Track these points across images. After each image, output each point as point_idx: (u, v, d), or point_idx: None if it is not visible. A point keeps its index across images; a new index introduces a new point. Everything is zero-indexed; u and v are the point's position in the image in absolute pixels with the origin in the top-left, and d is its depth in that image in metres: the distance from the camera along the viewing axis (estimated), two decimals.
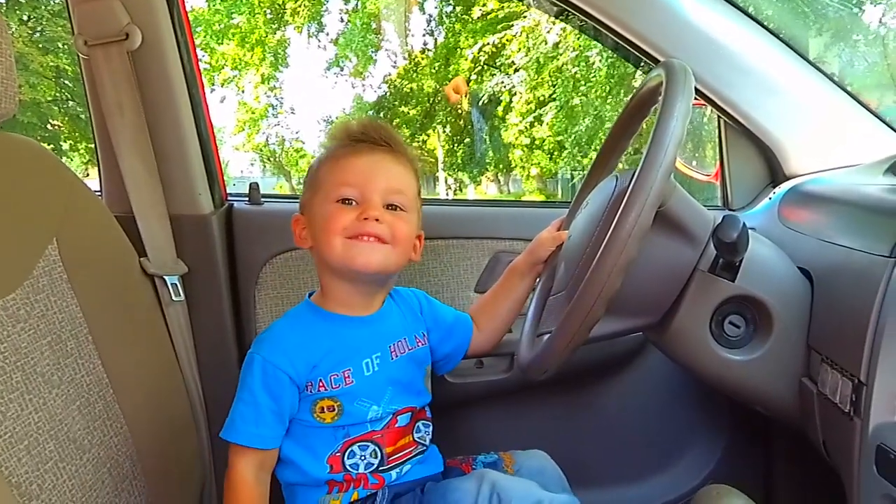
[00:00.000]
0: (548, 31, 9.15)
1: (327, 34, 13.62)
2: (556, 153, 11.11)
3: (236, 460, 1.07)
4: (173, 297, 1.33)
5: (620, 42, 1.43)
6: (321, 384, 1.07)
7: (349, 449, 1.09)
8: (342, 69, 13.35)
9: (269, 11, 13.84)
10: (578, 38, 9.28)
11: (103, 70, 1.32)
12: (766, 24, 1.43)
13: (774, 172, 1.54)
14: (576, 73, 9.25)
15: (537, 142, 11.09)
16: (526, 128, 10.92)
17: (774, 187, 1.52)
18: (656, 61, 1.43)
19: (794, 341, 1.02)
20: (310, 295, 1.16)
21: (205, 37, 13.95)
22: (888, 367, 0.83)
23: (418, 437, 1.16)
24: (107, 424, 1.07)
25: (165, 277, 1.32)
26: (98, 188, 1.44)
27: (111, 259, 1.18)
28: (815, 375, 0.98)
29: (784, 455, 1.53)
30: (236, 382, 1.08)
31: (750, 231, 1.00)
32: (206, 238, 1.43)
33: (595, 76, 9.43)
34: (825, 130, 1.46)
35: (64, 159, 1.31)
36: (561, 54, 9.12)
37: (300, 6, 13.41)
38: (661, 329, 1.06)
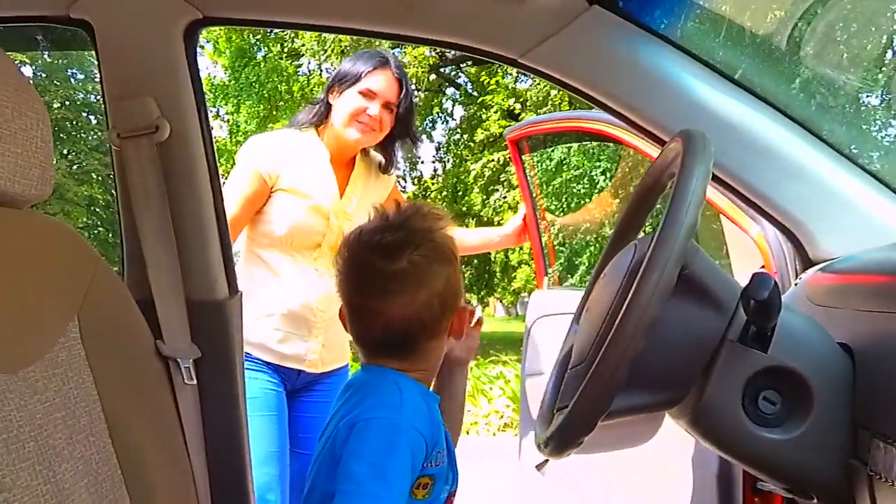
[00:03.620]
0: (551, 150, 9.31)
1: None
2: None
3: None
4: (185, 381, 1.32)
5: (630, 127, 1.43)
6: (431, 461, 1.08)
7: None
8: None
9: None
10: (582, 158, 9.47)
11: (133, 160, 1.36)
12: (777, 104, 1.42)
13: (800, 256, 1.48)
14: (579, 191, 9.37)
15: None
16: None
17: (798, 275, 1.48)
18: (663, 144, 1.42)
19: (838, 418, 0.95)
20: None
21: (226, 165, 14.48)
22: None
23: None
24: None
25: (179, 360, 1.31)
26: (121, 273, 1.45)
27: (129, 340, 1.19)
28: (865, 454, 0.91)
29: None
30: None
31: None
32: (221, 323, 1.43)
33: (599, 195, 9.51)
34: (850, 212, 1.40)
35: None
36: (565, 171, 9.31)
37: None
38: (687, 406, 1.01)
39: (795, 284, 1.42)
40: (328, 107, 2.18)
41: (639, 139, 2.03)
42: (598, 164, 9.17)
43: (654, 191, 1.13)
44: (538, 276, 2.82)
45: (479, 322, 1.30)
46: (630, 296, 0.86)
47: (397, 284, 1.09)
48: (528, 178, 2.82)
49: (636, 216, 1.19)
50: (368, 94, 2.13)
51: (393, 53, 2.28)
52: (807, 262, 1.46)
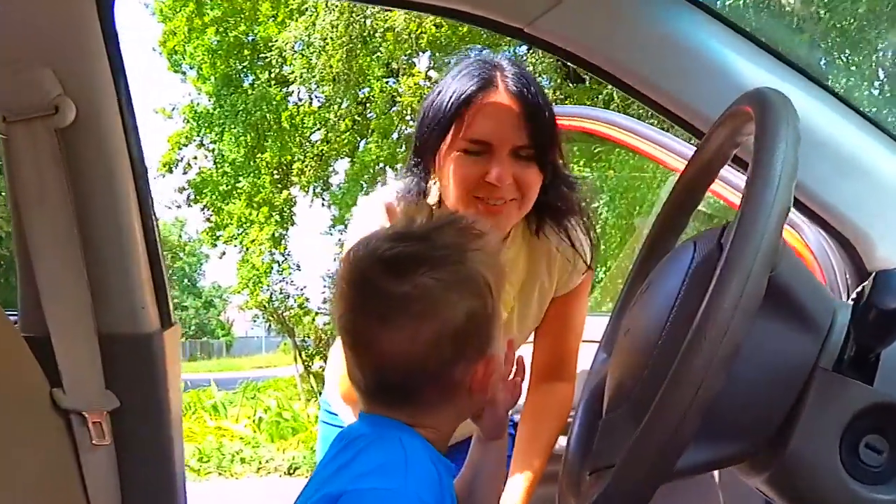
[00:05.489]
0: None
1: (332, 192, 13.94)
2: None
3: None
4: (94, 440, 1.07)
5: (655, 111, 1.21)
6: None
7: None
8: (346, 226, 13.57)
9: (275, 172, 14.20)
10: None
11: (24, 150, 1.13)
12: (834, 89, 1.22)
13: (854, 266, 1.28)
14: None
15: None
16: None
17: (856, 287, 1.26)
18: (701, 135, 1.20)
19: None
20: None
21: (211, 197, 14.30)
22: None
23: None
24: None
25: (85, 414, 1.07)
26: None
27: (17, 391, 1.01)
28: None
29: None
30: None
31: None
32: (147, 363, 1.20)
33: (602, 226, 9.42)
34: None
35: None
36: None
37: (306, 166, 13.77)
38: (766, 459, 0.76)
39: (853, 300, 1.20)
40: (424, 185, 1.28)
41: (647, 144, 1.83)
42: (600, 194, 9.02)
43: (705, 177, 0.88)
44: None
45: (521, 374, 1.00)
46: (702, 312, 0.61)
47: (397, 312, 0.81)
48: None
49: (680, 212, 0.94)
50: (477, 149, 1.20)
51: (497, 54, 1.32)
52: (863, 274, 1.26)
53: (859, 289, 0.70)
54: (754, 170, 0.65)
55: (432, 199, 1.28)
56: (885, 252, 1.23)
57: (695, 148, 1.26)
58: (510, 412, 1.00)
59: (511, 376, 0.98)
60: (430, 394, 0.84)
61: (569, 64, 1.32)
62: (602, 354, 0.98)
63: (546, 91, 1.29)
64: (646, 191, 8.05)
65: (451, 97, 1.20)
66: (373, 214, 1.31)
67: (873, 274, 0.68)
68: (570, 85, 10.49)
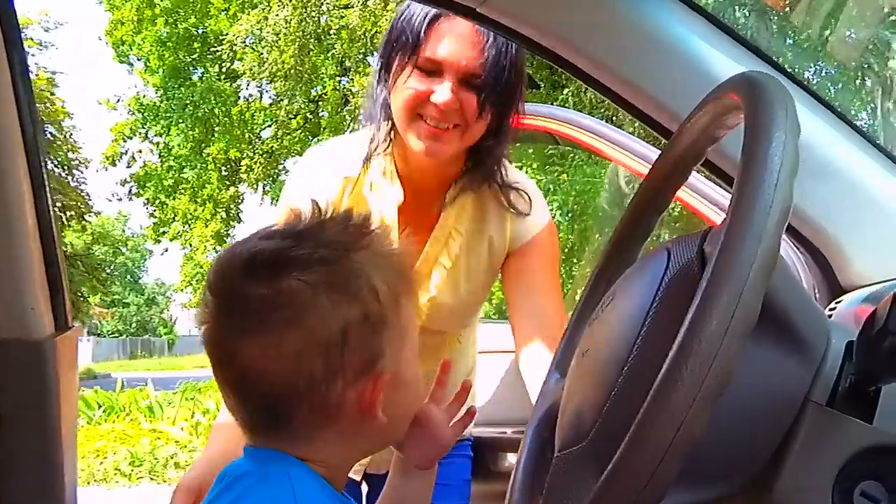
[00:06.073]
0: None
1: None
2: None
3: None
4: None
5: (623, 108, 1.11)
6: None
7: None
8: None
9: (223, 168, 13.92)
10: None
11: None
12: (811, 88, 1.13)
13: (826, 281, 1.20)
14: None
15: None
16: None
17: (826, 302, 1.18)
18: (668, 134, 1.10)
19: None
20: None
21: (155, 191, 13.95)
22: None
23: None
24: None
25: None
26: None
27: None
28: None
29: None
30: None
31: None
32: (36, 371, 1.09)
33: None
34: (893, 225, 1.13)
35: None
36: None
37: (255, 163, 13.52)
38: (749, 502, 0.67)
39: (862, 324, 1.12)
40: (386, 105, 1.25)
41: (602, 142, 1.73)
42: (554, 198, 8.97)
43: (680, 170, 0.77)
44: None
45: (463, 397, 0.89)
46: (682, 336, 0.50)
47: (257, 319, 0.69)
48: None
49: (646, 214, 0.83)
50: (430, 67, 1.18)
51: None
52: (835, 289, 1.17)
53: (871, 312, 0.59)
54: (747, 165, 0.54)
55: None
56: (860, 267, 1.15)
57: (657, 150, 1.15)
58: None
59: (450, 401, 0.87)
60: (304, 417, 0.70)
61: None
62: (555, 374, 0.87)
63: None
64: (600, 195, 8.05)
65: (419, 15, 1.19)
66: (303, 166, 1.35)
67: (892, 295, 0.57)
68: (528, 90, 10.47)
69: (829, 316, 1.12)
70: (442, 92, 1.15)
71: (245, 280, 0.69)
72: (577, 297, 0.95)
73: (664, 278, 0.64)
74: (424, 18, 1.18)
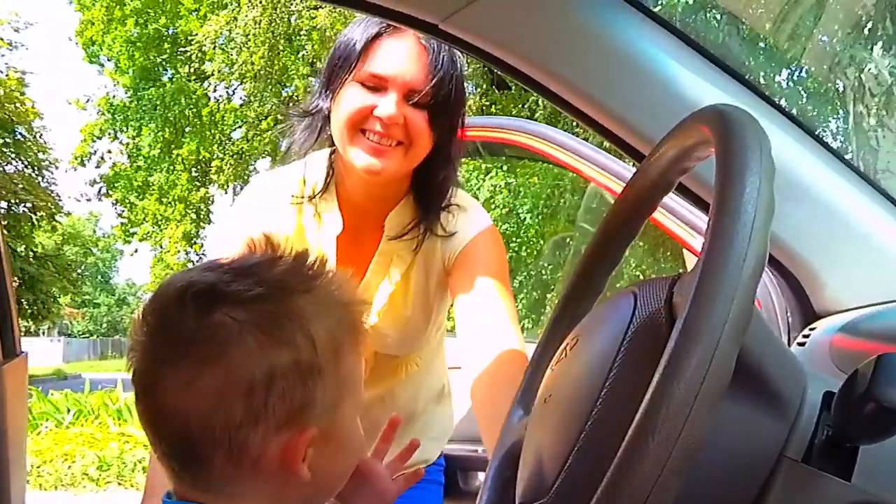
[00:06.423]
0: (478, 188, 9.12)
1: None
2: None
3: None
4: None
5: (590, 127, 1.07)
6: None
7: None
8: None
9: (193, 169, 13.76)
10: (509, 196, 9.29)
11: None
12: (784, 109, 1.10)
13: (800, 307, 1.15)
14: (506, 230, 9.14)
15: None
16: None
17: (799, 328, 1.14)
18: (637, 154, 1.07)
19: None
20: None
21: (124, 191, 13.76)
22: None
23: None
24: None
25: None
26: None
27: None
28: None
29: None
30: None
31: None
32: None
33: (525, 233, 9.38)
34: (869, 252, 1.09)
35: None
36: (493, 209, 9.03)
37: (225, 164, 13.36)
38: None
39: (800, 344, 1.08)
40: (326, 120, 1.21)
41: (576, 159, 1.69)
42: (524, 201, 8.94)
43: (647, 201, 0.73)
44: None
45: (407, 452, 0.87)
46: (649, 399, 0.46)
47: (179, 349, 0.64)
48: None
49: (614, 245, 0.78)
50: (374, 83, 1.15)
51: None
52: (809, 314, 1.14)
53: (852, 372, 0.55)
54: (719, 211, 0.50)
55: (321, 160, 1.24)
56: (834, 292, 1.11)
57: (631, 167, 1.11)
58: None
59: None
60: (221, 465, 0.64)
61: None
62: (518, 410, 0.82)
63: (469, 87, 1.20)
64: (569, 197, 8.05)
65: (362, 33, 1.17)
66: (248, 194, 1.31)
67: (876, 358, 0.53)
68: (497, 91, 10.44)
69: (803, 343, 1.10)
70: (386, 105, 1.12)
71: (175, 310, 0.63)
72: (547, 305, 0.90)
73: (630, 326, 0.59)
74: (366, 34, 1.16)
